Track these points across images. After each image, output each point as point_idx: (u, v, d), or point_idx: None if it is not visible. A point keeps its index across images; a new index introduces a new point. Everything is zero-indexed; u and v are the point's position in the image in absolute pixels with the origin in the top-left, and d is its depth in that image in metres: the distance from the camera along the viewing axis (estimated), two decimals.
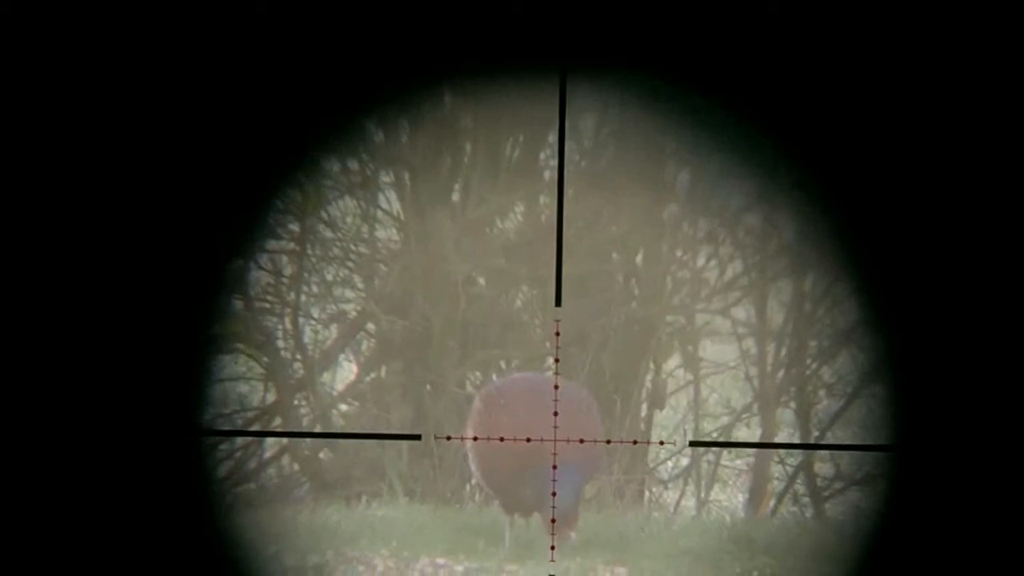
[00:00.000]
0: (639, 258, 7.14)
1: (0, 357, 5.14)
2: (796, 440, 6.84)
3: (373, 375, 7.17)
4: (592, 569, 6.06)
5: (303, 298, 7.07)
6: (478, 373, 7.14)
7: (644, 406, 7.14)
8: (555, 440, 5.78)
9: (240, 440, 6.73)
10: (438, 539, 6.26)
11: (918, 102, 5.28)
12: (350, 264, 7.13)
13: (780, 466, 6.97)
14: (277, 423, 6.98)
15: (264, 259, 6.88)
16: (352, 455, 6.99)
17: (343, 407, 7.20)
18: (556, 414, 5.77)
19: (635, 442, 6.98)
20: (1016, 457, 5.15)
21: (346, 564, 6.11)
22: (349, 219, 7.11)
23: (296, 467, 7.02)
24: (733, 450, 7.19)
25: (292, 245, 6.99)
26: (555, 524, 5.82)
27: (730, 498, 7.19)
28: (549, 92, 5.55)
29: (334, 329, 7.18)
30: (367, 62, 5.51)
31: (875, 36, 5.29)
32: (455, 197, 7.08)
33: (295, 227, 6.97)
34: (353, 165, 7.05)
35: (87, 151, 5.23)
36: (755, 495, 7.02)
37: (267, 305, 6.98)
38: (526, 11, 5.42)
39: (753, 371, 7.06)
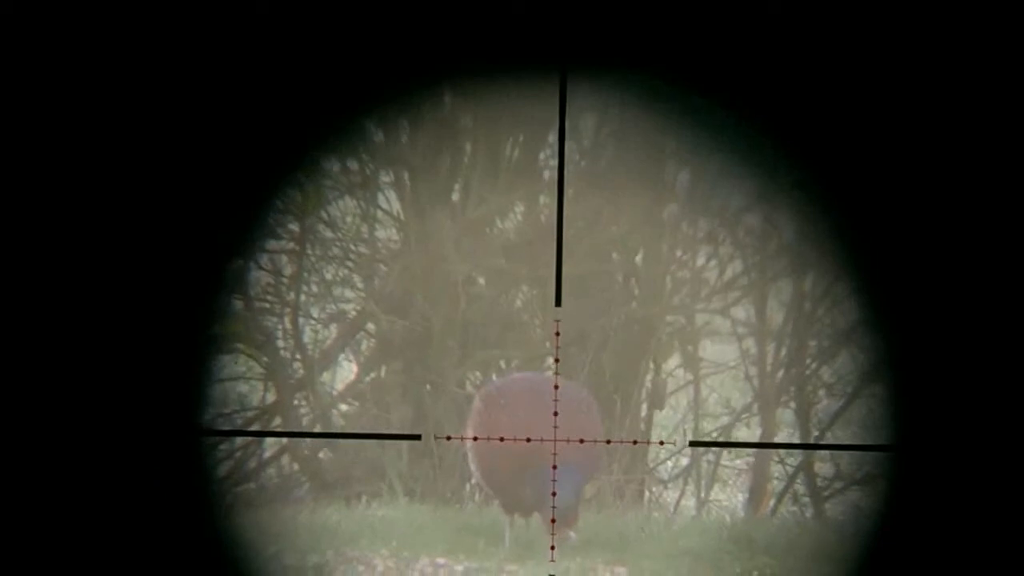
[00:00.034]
0: (639, 258, 7.14)
1: (1, 357, 5.14)
2: (796, 440, 6.84)
3: (373, 375, 7.17)
4: (592, 569, 6.06)
5: (303, 298, 7.07)
6: (478, 373, 7.14)
7: (644, 406, 7.14)
8: (555, 440, 5.78)
9: (240, 440, 6.73)
10: (438, 539, 6.26)
11: (918, 102, 5.28)
12: (350, 264, 7.13)
13: (780, 466, 6.97)
14: (277, 423, 6.98)
15: (264, 259, 6.88)
16: (352, 455, 6.99)
17: (343, 407, 7.20)
18: (556, 414, 5.77)
19: (635, 442, 6.98)
20: (1016, 457, 5.15)
21: (346, 564, 6.11)
22: (349, 219, 7.11)
23: (296, 467, 7.02)
24: (733, 450, 7.19)
25: (292, 245, 6.99)
26: (555, 524, 5.82)
27: (730, 498, 7.19)
28: (549, 92, 5.55)
29: (334, 329, 7.18)
30: (367, 62, 5.51)
31: (875, 36, 5.29)
32: (455, 197, 7.08)
33: (295, 227, 6.97)
34: (353, 165, 7.05)
35: (87, 151, 5.23)
36: (755, 495, 7.03)
37: (267, 305, 6.98)
38: (526, 11, 5.42)
39: (753, 371, 7.06)
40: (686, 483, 7.19)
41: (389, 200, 7.12)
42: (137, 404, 5.23)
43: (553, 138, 6.99)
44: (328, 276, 7.10)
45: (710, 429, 7.17)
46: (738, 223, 6.95)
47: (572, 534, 5.94)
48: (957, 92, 5.24)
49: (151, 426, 5.24)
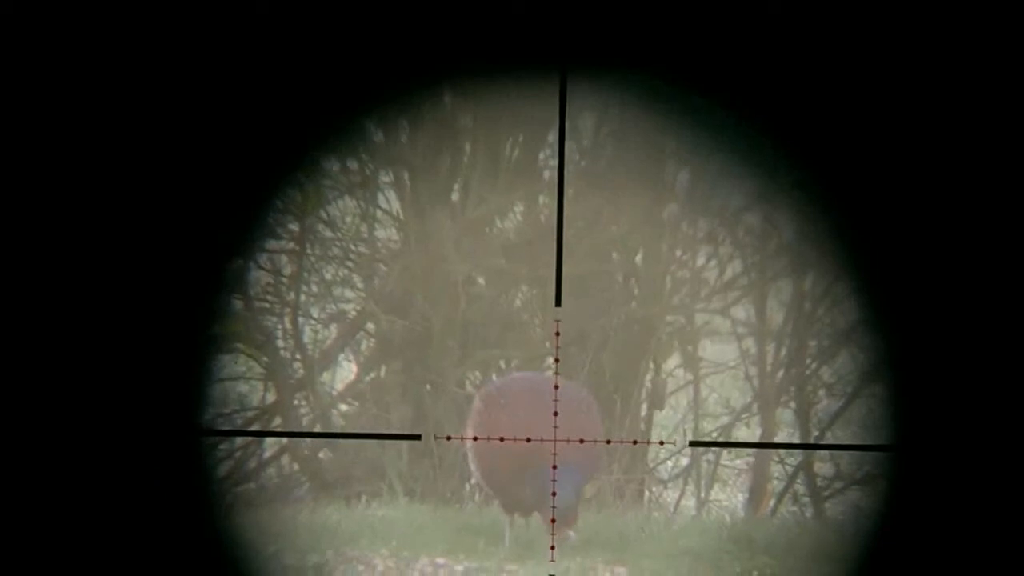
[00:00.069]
0: (639, 258, 7.14)
1: (1, 357, 5.14)
2: (796, 440, 6.84)
3: (373, 375, 7.17)
4: (592, 569, 6.06)
5: (303, 298, 7.07)
6: (478, 373, 7.14)
7: (644, 406, 7.14)
8: (555, 440, 5.78)
9: (240, 440, 6.73)
10: (438, 539, 6.26)
11: (918, 102, 5.28)
12: (350, 264, 7.13)
13: (780, 466, 6.97)
14: (277, 423, 6.98)
15: (264, 259, 6.88)
16: (352, 455, 6.99)
17: (343, 407, 7.20)
18: (556, 414, 5.77)
19: (635, 442, 6.98)
20: (1016, 457, 5.15)
21: (346, 564, 6.11)
22: (349, 219, 7.11)
23: (296, 467, 7.02)
24: (733, 450, 7.19)
25: (292, 245, 6.99)
26: (555, 524, 5.82)
27: (730, 498, 7.19)
28: (549, 92, 5.55)
29: (334, 329, 7.18)
30: (367, 62, 5.51)
31: (875, 36, 5.29)
32: (455, 197, 7.08)
33: (295, 227, 6.97)
34: (353, 165, 7.05)
35: (87, 151, 5.23)
36: (755, 495, 7.03)
37: (267, 305, 6.98)
38: (526, 11, 5.42)
39: (753, 371, 7.06)
40: (686, 483, 7.19)
41: (389, 200, 7.12)
42: (137, 404, 5.23)
43: (553, 138, 6.99)
44: (328, 276, 7.10)
45: (710, 429, 7.17)
46: (738, 223, 6.95)
47: (572, 534, 5.94)
48: (957, 92, 5.24)
49: (151, 426, 5.24)
